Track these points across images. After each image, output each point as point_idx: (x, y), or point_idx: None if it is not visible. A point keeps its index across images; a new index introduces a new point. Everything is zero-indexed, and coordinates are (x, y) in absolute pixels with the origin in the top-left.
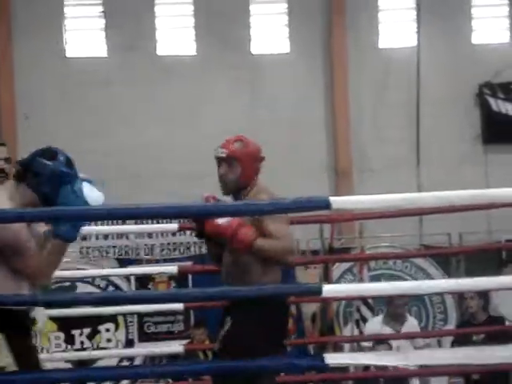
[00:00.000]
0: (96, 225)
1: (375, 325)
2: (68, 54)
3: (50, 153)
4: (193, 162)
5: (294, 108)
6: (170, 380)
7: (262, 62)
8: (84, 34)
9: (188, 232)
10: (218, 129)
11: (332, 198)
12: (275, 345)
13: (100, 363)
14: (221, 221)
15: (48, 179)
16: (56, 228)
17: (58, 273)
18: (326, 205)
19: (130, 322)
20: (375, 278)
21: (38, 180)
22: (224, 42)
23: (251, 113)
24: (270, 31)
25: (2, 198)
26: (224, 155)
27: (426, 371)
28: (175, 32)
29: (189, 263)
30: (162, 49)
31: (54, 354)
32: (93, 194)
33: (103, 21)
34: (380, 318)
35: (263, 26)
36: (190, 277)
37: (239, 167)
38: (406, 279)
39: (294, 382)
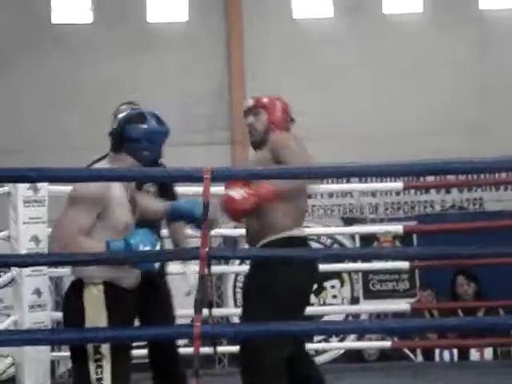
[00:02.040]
0: (322, 183)
1: None
2: (295, 16)
3: (139, 116)
4: (421, 119)
5: None
6: (396, 338)
7: (491, 17)
8: None
9: (413, 191)
10: (444, 86)
11: None
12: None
13: (326, 319)
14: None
15: (146, 141)
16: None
17: None
18: None
19: (355, 279)
20: None
21: (136, 145)
22: None
23: (479, 71)
24: None
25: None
26: (251, 103)
27: None
28: None
29: (413, 223)
30: (389, 7)
31: None
32: None
33: None
34: None
35: None
36: (414, 237)
37: (265, 115)
38: None
39: None
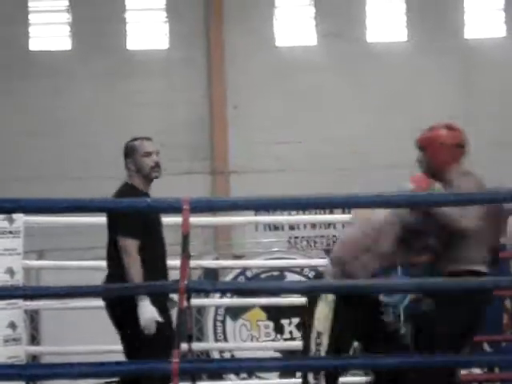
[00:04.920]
0: (304, 214)
1: None
2: (278, 43)
3: None
4: (404, 149)
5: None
6: None
7: (475, 46)
8: (293, 23)
9: None
10: (427, 115)
11: None
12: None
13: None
14: None
15: None
16: None
17: (266, 262)
18: None
19: None
20: None
21: None
22: (436, 27)
23: (463, 100)
24: (484, 15)
25: None
26: (416, 143)
27: None
28: (385, 18)
29: None
30: (372, 36)
31: (263, 343)
32: None
33: (313, 9)
34: None
35: (476, 10)
36: (399, 268)
37: (427, 153)
38: None
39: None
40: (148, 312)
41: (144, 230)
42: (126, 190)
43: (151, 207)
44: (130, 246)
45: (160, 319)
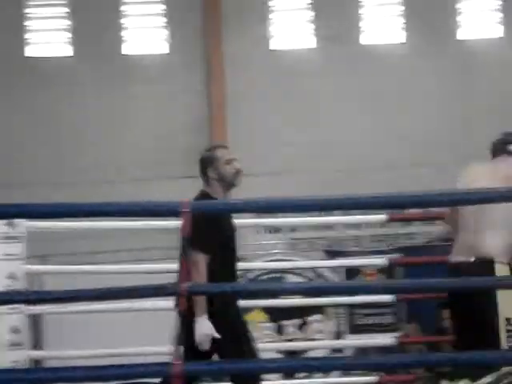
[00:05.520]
0: (304, 216)
1: None
2: (275, 47)
3: None
4: (403, 150)
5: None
6: (383, 373)
7: (472, 47)
8: (291, 27)
9: (397, 223)
10: (427, 116)
11: None
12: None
13: (310, 354)
14: None
15: None
16: None
17: (267, 264)
18: None
19: (340, 313)
20: None
21: None
22: (433, 28)
23: (460, 100)
24: (480, 16)
25: None
26: None
27: None
28: (382, 20)
29: (398, 255)
30: (369, 38)
31: (265, 345)
32: None
33: (310, 12)
34: None
35: (472, 11)
36: (398, 270)
37: None
38: None
39: None
40: (204, 328)
41: (218, 242)
42: (204, 198)
43: (150, 211)
44: (201, 262)
45: (217, 335)
